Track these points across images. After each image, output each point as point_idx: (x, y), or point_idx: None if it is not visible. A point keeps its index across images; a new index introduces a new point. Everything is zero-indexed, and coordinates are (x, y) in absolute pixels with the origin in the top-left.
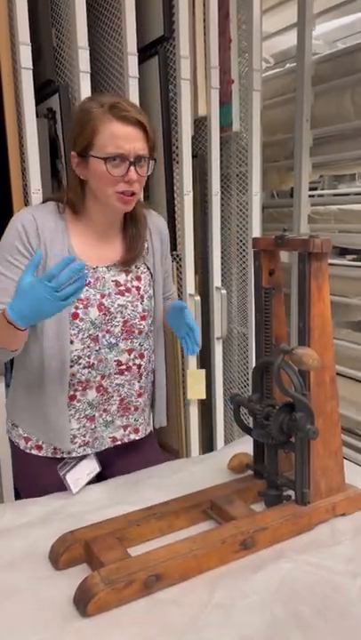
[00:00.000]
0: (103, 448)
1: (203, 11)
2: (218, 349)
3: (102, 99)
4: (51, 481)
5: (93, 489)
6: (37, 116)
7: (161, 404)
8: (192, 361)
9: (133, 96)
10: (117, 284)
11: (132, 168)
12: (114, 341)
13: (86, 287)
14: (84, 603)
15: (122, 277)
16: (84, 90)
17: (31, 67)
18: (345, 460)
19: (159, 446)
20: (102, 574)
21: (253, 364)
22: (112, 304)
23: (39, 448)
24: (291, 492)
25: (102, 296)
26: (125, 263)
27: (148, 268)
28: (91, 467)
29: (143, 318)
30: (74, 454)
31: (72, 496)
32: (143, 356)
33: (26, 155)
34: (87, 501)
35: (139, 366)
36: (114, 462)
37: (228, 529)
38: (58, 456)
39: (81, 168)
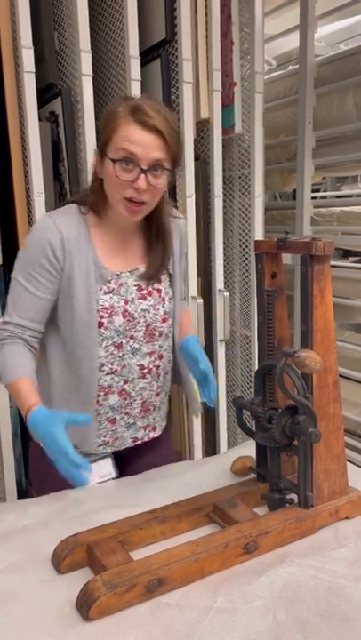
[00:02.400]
0: (123, 447)
1: (205, 13)
2: (220, 352)
3: (133, 100)
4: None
5: (95, 490)
6: (40, 120)
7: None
8: None
9: None
10: (139, 288)
11: (142, 176)
12: (137, 346)
13: (111, 294)
14: (87, 607)
15: (143, 281)
16: (87, 93)
17: (34, 70)
18: (348, 463)
19: None
20: (105, 578)
21: (256, 367)
22: (135, 309)
23: None
24: (294, 496)
25: (126, 302)
26: (149, 277)
27: (167, 270)
28: (106, 470)
29: (164, 320)
30: (92, 452)
31: (74, 497)
32: (162, 356)
33: (28, 158)
34: (89, 503)
35: (157, 367)
36: (134, 460)
37: (231, 532)
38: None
39: (99, 167)
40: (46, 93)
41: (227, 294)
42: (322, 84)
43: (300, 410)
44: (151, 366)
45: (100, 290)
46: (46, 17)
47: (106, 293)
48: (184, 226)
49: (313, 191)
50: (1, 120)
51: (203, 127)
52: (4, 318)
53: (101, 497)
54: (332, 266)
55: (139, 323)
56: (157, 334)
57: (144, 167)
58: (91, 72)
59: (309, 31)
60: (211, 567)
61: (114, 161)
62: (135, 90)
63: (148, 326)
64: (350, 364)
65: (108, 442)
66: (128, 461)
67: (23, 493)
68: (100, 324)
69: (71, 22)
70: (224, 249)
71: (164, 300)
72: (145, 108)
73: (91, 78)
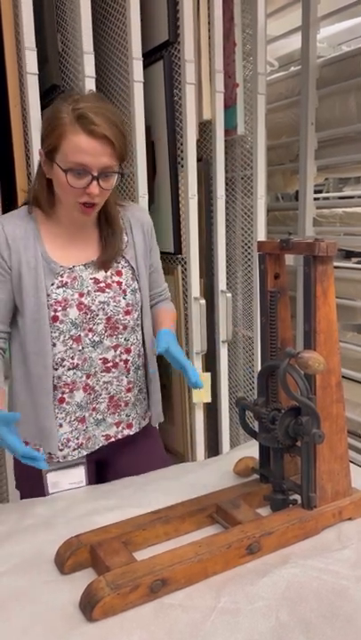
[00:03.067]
0: (97, 447)
1: (207, 15)
2: (223, 353)
3: (74, 103)
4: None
5: (99, 491)
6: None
7: (156, 399)
8: (197, 364)
9: (138, 100)
10: (96, 281)
11: (94, 182)
12: (97, 339)
13: (64, 288)
14: (90, 607)
15: (100, 274)
16: None
17: (37, 72)
18: (351, 464)
19: (165, 450)
20: (108, 579)
21: (259, 368)
22: (92, 302)
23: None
24: (297, 497)
25: (81, 295)
26: (102, 264)
27: (127, 262)
28: (77, 477)
29: (128, 313)
30: (69, 458)
31: (77, 497)
32: (130, 350)
33: (31, 160)
34: (92, 504)
35: (126, 361)
36: (115, 461)
37: (234, 533)
38: (54, 460)
39: (47, 167)
40: (49, 95)
41: (229, 295)
42: (324, 85)
43: (304, 411)
44: (117, 360)
45: (53, 284)
46: (49, 18)
47: (58, 287)
48: (146, 219)
49: (315, 192)
50: (4, 121)
51: (205, 128)
52: None
53: (104, 498)
54: (335, 267)
55: (97, 315)
56: (121, 327)
57: (95, 174)
58: (94, 74)
59: (312, 32)
60: (214, 568)
61: (66, 171)
62: (138, 91)
63: (108, 319)
64: (353, 364)
65: (82, 443)
66: (109, 462)
67: None
68: (55, 318)
69: (74, 24)
70: (226, 250)
71: (125, 292)
72: (90, 115)
73: (94, 80)
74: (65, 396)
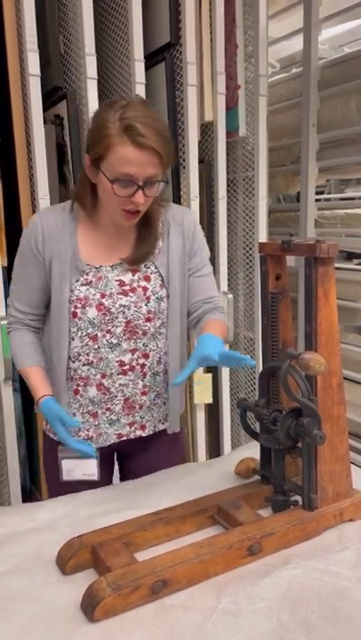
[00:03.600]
0: (108, 444)
1: (209, 17)
2: None
3: (121, 112)
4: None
5: (101, 493)
6: (45, 123)
7: (173, 408)
8: None
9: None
10: (122, 283)
11: (139, 192)
12: (115, 342)
13: (87, 286)
14: (91, 608)
15: (127, 277)
16: (92, 96)
17: (39, 73)
18: (351, 465)
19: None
20: (109, 579)
21: (260, 369)
22: (113, 304)
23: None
24: (298, 498)
25: (102, 296)
26: (131, 262)
27: (157, 268)
28: (89, 470)
29: (148, 320)
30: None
31: (79, 500)
32: (148, 356)
33: (33, 161)
34: (94, 506)
35: (142, 366)
36: (128, 457)
37: (235, 534)
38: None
39: (92, 173)
40: (51, 96)
41: (230, 296)
42: (326, 87)
43: (305, 412)
44: (134, 364)
45: (77, 281)
46: (52, 20)
47: (82, 285)
48: (188, 221)
49: (317, 193)
50: (6, 123)
51: (207, 130)
52: (8, 302)
53: (106, 500)
54: (336, 268)
55: (117, 318)
56: (140, 332)
57: (141, 184)
58: (96, 75)
59: (313, 34)
60: (215, 569)
61: (111, 180)
62: (140, 93)
63: (128, 323)
64: (354, 366)
65: (92, 437)
66: (130, 455)
67: (27, 495)
68: (75, 314)
69: (76, 25)
70: (228, 251)
71: (148, 298)
72: (138, 126)
73: (96, 81)
74: (79, 388)
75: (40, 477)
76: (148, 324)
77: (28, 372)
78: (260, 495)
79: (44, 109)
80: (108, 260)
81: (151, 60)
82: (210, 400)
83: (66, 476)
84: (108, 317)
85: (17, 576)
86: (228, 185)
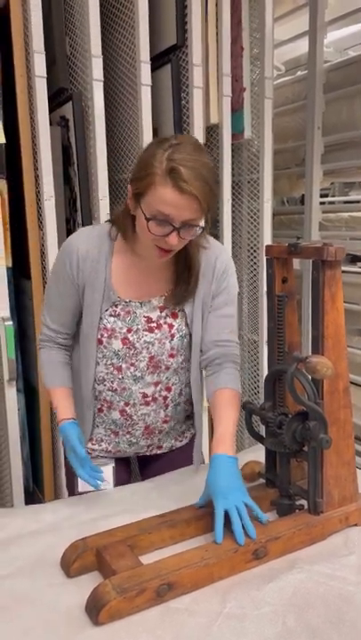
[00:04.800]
0: (124, 456)
1: (215, 19)
2: None
3: (170, 152)
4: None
5: (105, 495)
6: (50, 124)
7: (198, 443)
8: None
9: (146, 104)
10: (149, 320)
11: (174, 233)
12: (139, 375)
13: (115, 318)
14: (96, 611)
15: (155, 314)
16: (98, 98)
17: (45, 75)
18: (358, 470)
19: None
20: (114, 582)
21: (264, 372)
22: (138, 340)
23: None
24: (303, 502)
25: (129, 330)
26: (171, 303)
27: (183, 309)
28: (105, 477)
29: (172, 356)
30: (93, 454)
31: (84, 503)
32: (170, 389)
33: (39, 162)
34: (98, 509)
35: (165, 397)
36: (150, 465)
37: None
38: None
39: (133, 205)
40: (57, 98)
41: None
42: (331, 90)
43: (311, 415)
44: (157, 395)
45: (107, 311)
46: (58, 22)
47: (111, 315)
48: (220, 263)
49: (321, 196)
50: (12, 124)
51: (212, 132)
52: (41, 319)
53: (111, 503)
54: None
55: (141, 353)
56: (163, 367)
57: (177, 226)
58: (102, 77)
59: (319, 37)
60: (220, 572)
61: (147, 218)
62: (145, 94)
63: (151, 358)
64: (358, 369)
65: (111, 451)
66: (145, 464)
67: (30, 496)
68: (100, 342)
69: (82, 27)
70: (233, 253)
71: (173, 336)
72: (182, 171)
73: (101, 83)
74: (104, 409)
75: (42, 478)
76: (171, 359)
77: (54, 392)
78: (265, 499)
79: (50, 111)
80: (136, 296)
81: (157, 61)
82: None
83: (81, 488)
84: (132, 352)
85: (21, 578)
86: (232, 187)
